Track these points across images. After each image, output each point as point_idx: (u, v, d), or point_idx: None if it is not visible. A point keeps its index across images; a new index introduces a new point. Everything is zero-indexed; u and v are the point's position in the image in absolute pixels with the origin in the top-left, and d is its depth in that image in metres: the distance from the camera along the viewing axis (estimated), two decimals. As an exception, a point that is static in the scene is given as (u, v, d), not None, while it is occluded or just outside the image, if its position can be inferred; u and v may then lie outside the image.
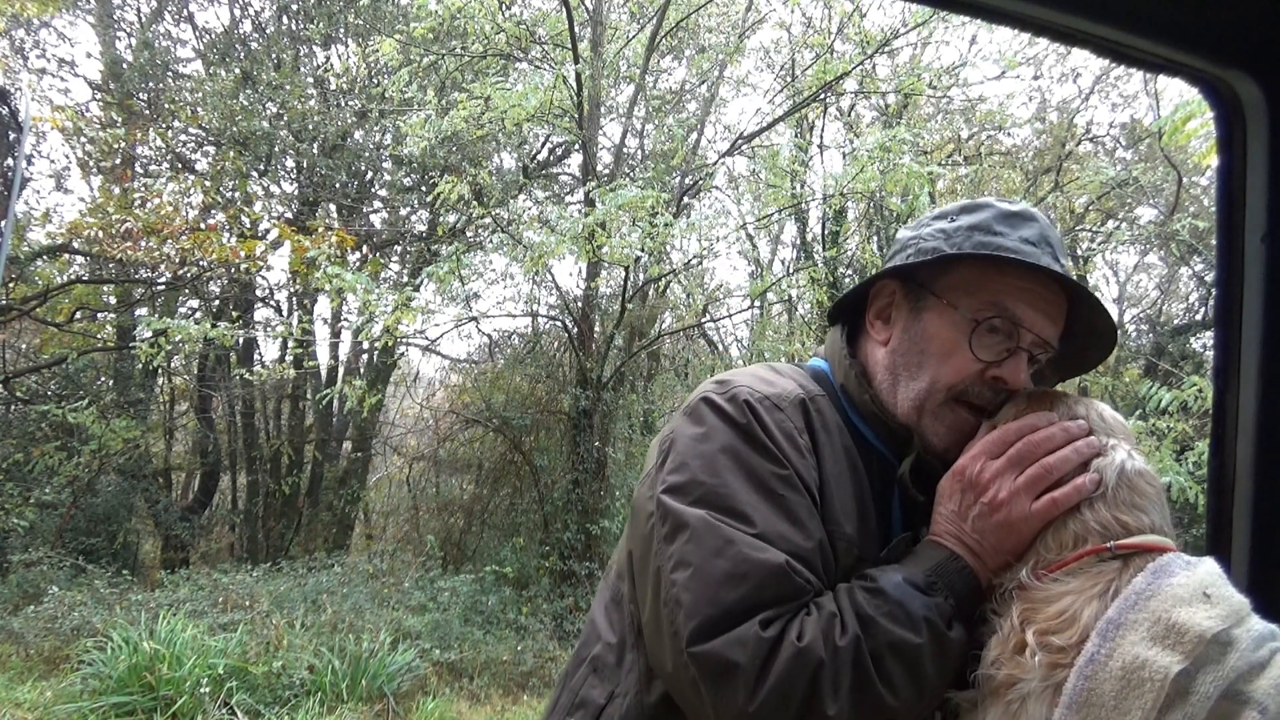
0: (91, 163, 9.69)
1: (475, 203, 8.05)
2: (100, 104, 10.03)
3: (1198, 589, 0.82)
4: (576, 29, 8.14)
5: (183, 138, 10.60)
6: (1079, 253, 9.87)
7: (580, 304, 8.99)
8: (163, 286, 10.11)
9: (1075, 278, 1.07)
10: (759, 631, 0.88)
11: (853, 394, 1.13)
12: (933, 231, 1.11)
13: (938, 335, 1.07)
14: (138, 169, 10.33)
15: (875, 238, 9.65)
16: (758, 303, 10.13)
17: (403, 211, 11.06)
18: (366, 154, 10.57)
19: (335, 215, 10.88)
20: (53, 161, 9.62)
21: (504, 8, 8.61)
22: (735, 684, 0.87)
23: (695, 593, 0.91)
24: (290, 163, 10.71)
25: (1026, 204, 1.15)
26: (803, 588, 0.92)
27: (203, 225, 8.65)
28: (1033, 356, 1.06)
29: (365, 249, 10.40)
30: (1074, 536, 0.91)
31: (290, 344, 8.92)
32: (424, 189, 9.95)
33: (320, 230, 8.46)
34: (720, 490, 0.97)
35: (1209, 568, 0.85)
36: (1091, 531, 0.90)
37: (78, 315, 10.45)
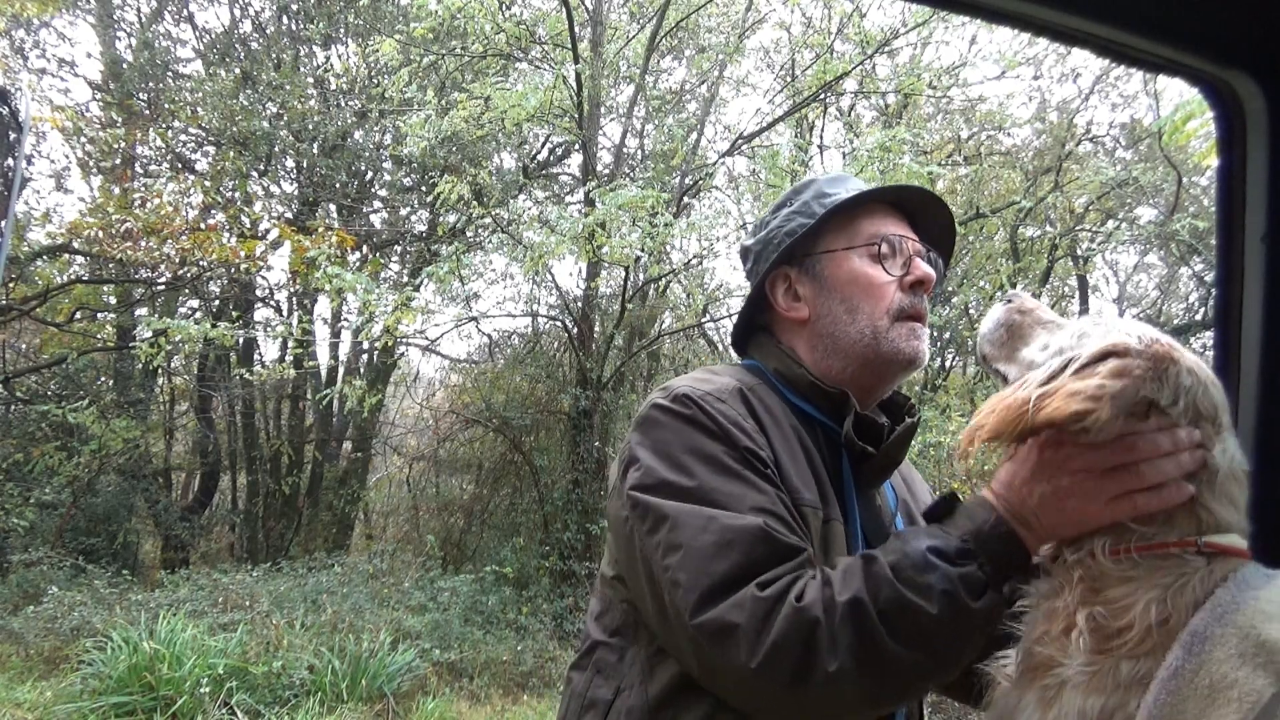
0: (91, 163, 9.69)
1: (475, 203, 8.05)
2: (100, 104, 10.03)
3: None
4: (576, 29, 8.15)
5: (183, 138, 10.60)
6: (1079, 253, 9.87)
7: (580, 304, 8.99)
8: (163, 286, 10.11)
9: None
10: (756, 593, 0.91)
11: (787, 375, 1.21)
12: (783, 218, 1.26)
13: (851, 280, 1.19)
14: (138, 169, 10.33)
15: (875, 238, 9.65)
16: (758, 303, 10.10)
17: (403, 211, 11.06)
18: (366, 154, 10.57)
19: (335, 215, 10.87)
20: (53, 161, 9.61)
21: (504, 8, 8.60)
22: (737, 644, 0.90)
23: (689, 570, 0.95)
24: (290, 163, 10.71)
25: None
26: (792, 545, 0.96)
27: (203, 225, 8.65)
28: (922, 256, 1.21)
29: (365, 249, 10.40)
30: (1165, 515, 0.85)
31: (290, 344, 8.92)
32: (424, 189, 9.95)
33: (320, 230, 8.46)
34: (686, 481, 1.01)
35: None
36: (1184, 517, 0.85)
37: (78, 315, 10.44)
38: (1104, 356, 0.88)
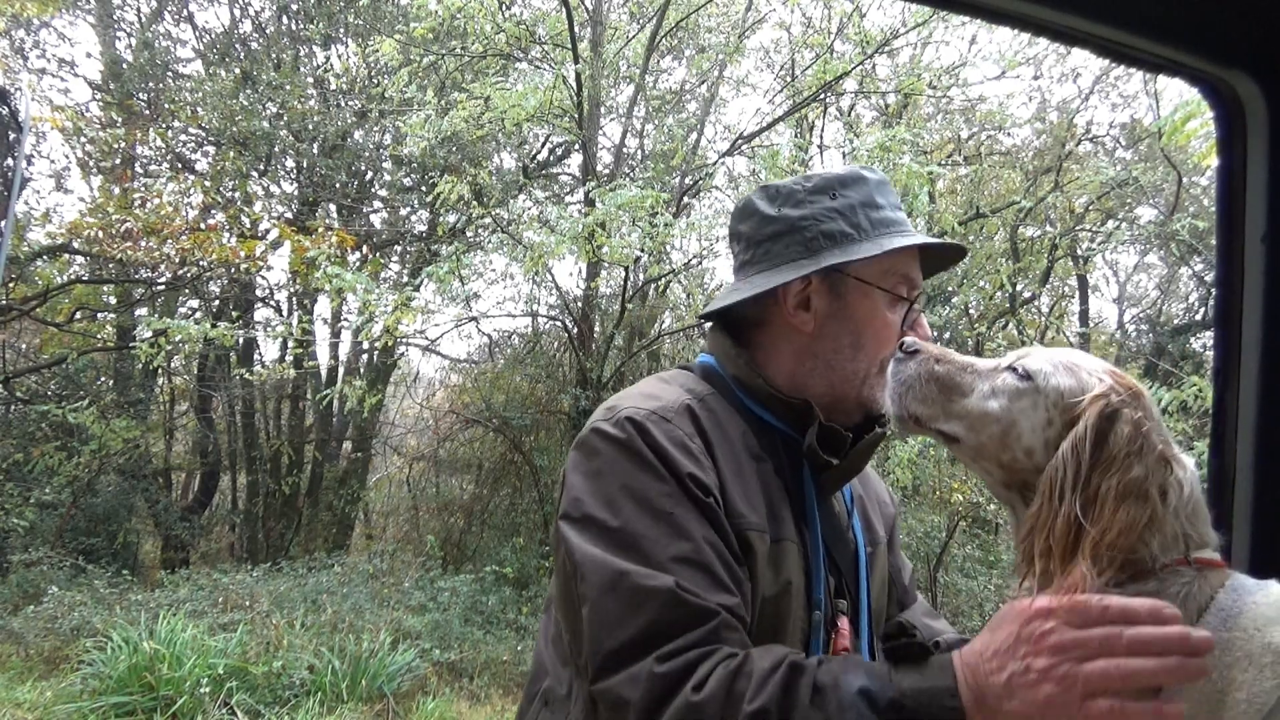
0: (91, 163, 9.69)
1: (475, 203, 8.05)
2: (100, 104, 10.03)
3: (1278, 609, 0.80)
4: (576, 29, 8.14)
5: (183, 138, 10.60)
6: (1079, 252, 9.87)
7: (580, 304, 8.99)
8: (163, 286, 10.11)
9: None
10: (654, 668, 0.87)
11: (746, 382, 1.16)
12: (824, 211, 1.15)
13: (869, 320, 1.14)
14: (138, 169, 10.32)
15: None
16: (758, 303, 10.10)
17: (403, 211, 11.06)
18: (366, 154, 10.57)
19: (335, 215, 10.87)
20: (53, 161, 9.61)
21: (504, 8, 8.60)
22: (627, 717, 0.88)
23: (596, 628, 0.93)
24: (290, 163, 10.71)
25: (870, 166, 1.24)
26: (702, 609, 0.91)
27: (203, 225, 8.65)
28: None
29: (365, 249, 10.39)
30: (1163, 542, 0.86)
31: (290, 344, 8.92)
32: (424, 189, 9.94)
33: (320, 230, 8.45)
34: (611, 520, 0.97)
35: (1279, 587, 0.84)
36: (1175, 539, 0.87)
37: (78, 315, 10.44)
38: (1101, 414, 0.89)
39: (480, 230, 9.87)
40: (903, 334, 1.14)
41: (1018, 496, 0.98)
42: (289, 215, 10.35)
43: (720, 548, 0.97)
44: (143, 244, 8.10)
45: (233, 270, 8.73)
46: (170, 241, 8.09)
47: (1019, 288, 9.53)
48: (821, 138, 9.93)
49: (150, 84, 10.07)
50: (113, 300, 10.70)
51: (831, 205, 1.15)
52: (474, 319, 9.23)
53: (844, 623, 1.11)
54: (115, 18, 10.37)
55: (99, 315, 10.95)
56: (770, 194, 1.20)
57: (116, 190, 9.33)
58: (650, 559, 0.94)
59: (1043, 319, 10.66)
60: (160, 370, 9.99)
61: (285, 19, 10.71)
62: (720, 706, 0.84)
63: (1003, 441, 0.96)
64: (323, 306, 10.43)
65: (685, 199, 9.06)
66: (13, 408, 9.79)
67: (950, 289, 9.17)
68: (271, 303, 11.40)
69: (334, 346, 10.90)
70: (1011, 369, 0.98)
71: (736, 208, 1.27)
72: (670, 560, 0.94)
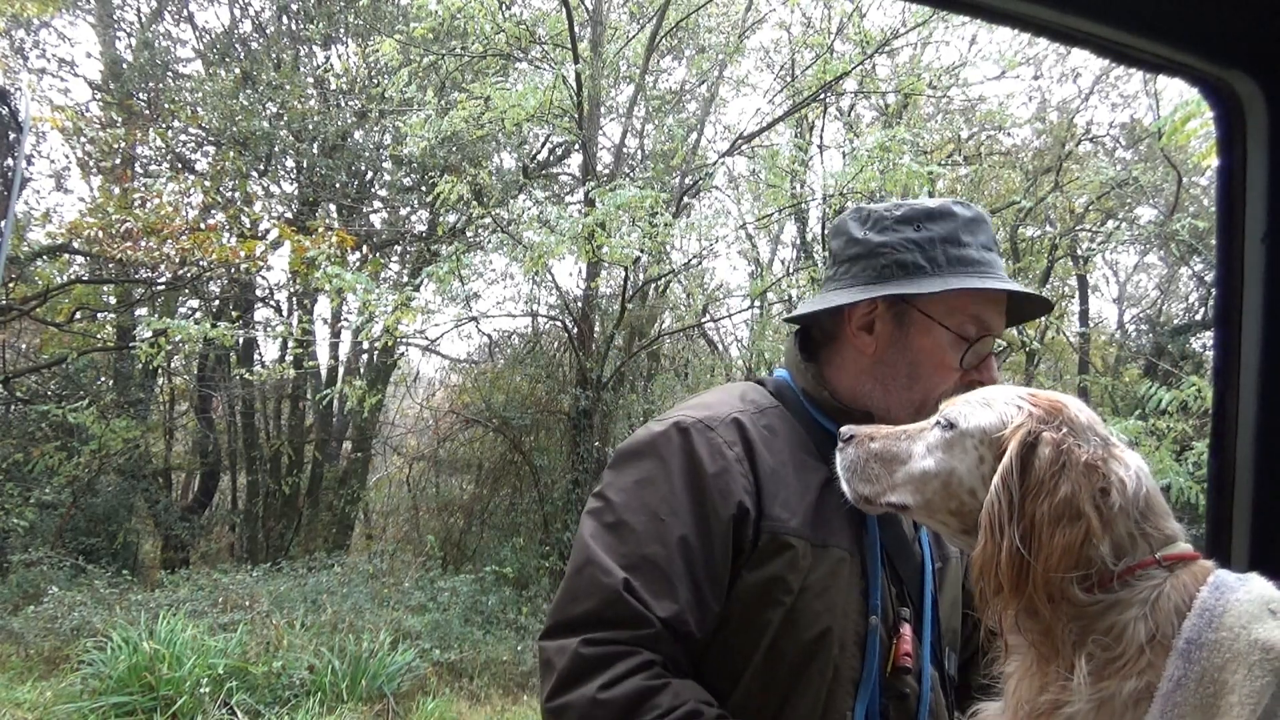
0: (91, 163, 9.68)
1: (475, 203, 8.05)
2: (100, 104, 10.03)
3: (1261, 604, 0.80)
4: (576, 29, 8.15)
5: (183, 138, 10.60)
6: (1079, 252, 9.87)
7: (580, 304, 8.99)
8: (163, 286, 10.11)
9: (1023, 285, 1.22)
10: (579, 648, 1.00)
11: (813, 394, 1.22)
12: (904, 241, 1.17)
13: (928, 353, 1.17)
14: (138, 169, 10.32)
15: (875, 238, 9.64)
16: (758, 303, 10.12)
17: (403, 211, 11.06)
18: (366, 154, 10.56)
19: (335, 215, 10.87)
20: (53, 161, 9.61)
21: (504, 8, 8.60)
22: (549, 680, 1.01)
23: (559, 597, 1.08)
24: (290, 163, 10.71)
25: (968, 201, 1.24)
26: (637, 615, 1.01)
27: (203, 225, 8.64)
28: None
29: (365, 249, 10.40)
30: (1116, 547, 0.87)
31: (290, 344, 8.92)
32: (424, 189, 9.94)
33: (320, 230, 8.45)
34: (612, 507, 1.10)
35: (1262, 581, 0.84)
36: (1130, 540, 0.88)
37: (78, 315, 10.44)
38: (1022, 442, 0.92)
39: (480, 230, 9.87)
40: (965, 374, 1.16)
41: (974, 539, 1.00)
42: (289, 215, 10.35)
43: (696, 558, 1.06)
44: (143, 244, 8.10)
45: (233, 270, 8.73)
46: (170, 241, 8.09)
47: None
48: (821, 138, 9.93)
49: (150, 84, 10.07)
50: (113, 300, 10.70)
51: (912, 236, 1.18)
52: (474, 319, 9.24)
53: (906, 630, 1.15)
54: (115, 18, 10.37)
55: (99, 315, 10.96)
56: (861, 216, 1.24)
57: (116, 190, 9.33)
58: (620, 551, 1.05)
59: (1043, 319, 10.66)
60: (160, 370, 10.00)
61: (285, 19, 10.71)
62: (617, 712, 0.96)
63: (946, 492, 1.00)
64: (323, 306, 10.44)
65: (685, 199, 9.06)
66: (13, 408, 9.80)
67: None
68: (271, 303, 11.40)
69: (334, 346, 10.90)
70: (938, 423, 1.03)
71: (833, 225, 1.33)
72: (637, 558, 1.04)
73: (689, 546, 1.05)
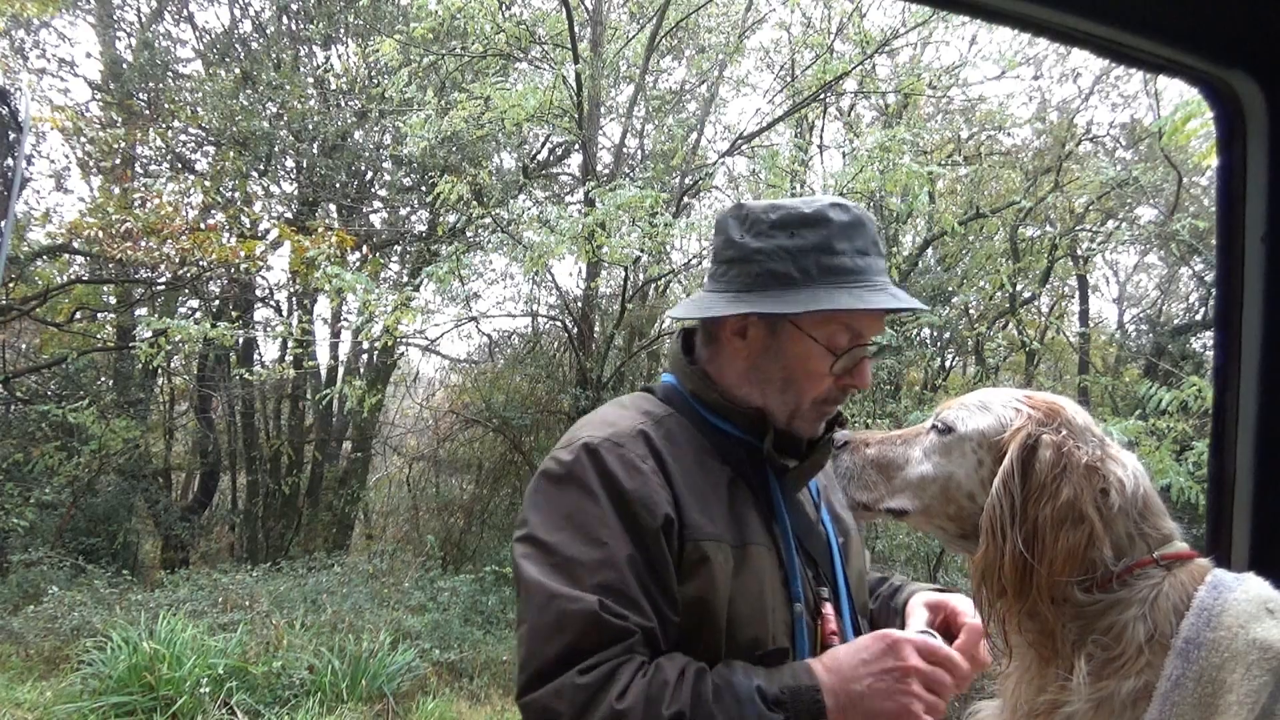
0: (91, 163, 9.68)
1: (475, 203, 8.04)
2: (100, 104, 10.03)
3: (1259, 604, 0.80)
4: (576, 29, 8.14)
5: (183, 138, 10.59)
6: (1079, 252, 9.86)
7: (580, 304, 8.99)
8: (163, 286, 10.11)
9: (898, 285, 1.24)
10: (576, 679, 0.97)
11: (702, 396, 1.22)
12: (778, 249, 1.16)
13: (801, 361, 1.17)
14: (138, 169, 10.32)
15: (875, 238, 9.64)
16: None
17: (403, 211, 11.05)
18: (366, 154, 10.56)
19: (335, 215, 10.87)
20: (53, 161, 9.60)
21: (504, 8, 8.60)
22: None
23: (526, 646, 1.03)
24: (290, 163, 10.70)
25: (847, 201, 1.22)
26: (621, 629, 1.01)
27: (203, 225, 8.64)
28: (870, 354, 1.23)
29: (365, 249, 10.39)
30: (1115, 547, 0.88)
31: (290, 344, 8.91)
32: (424, 189, 9.94)
33: (320, 230, 8.45)
34: (551, 546, 1.06)
35: (1258, 580, 0.84)
36: (1130, 540, 0.89)
37: (78, 315, 10.44)
38: (1022, 445, 0.92)
39: (480, 230, 9.86)
40: (839, 379, 1.18)
41: (973, 544, 1.00)
42: (289, 215, 10.35)
43: (645, 574, 1.05)
44: (143, 244, 8.10)
45: (233, 270, 8.72)
46: (170, 241, 8.08)
47: (1019, 288, 9.53)
48: (821, 138, 9.93)
49: (150, 84, 10.07)
50: (113, 300, 10.70)
51: (785, 244, 1.16)
52: (474, 319, 9.24)
53: (829, 609, 1.19)
54: (115, 18, 10.37)
55: (99, 315, 10.96)
56: (740, 216, 1.22)
57: (116, 190, 9.33)
58: (580, 582, 1.03)
59: (1043, 319, 10.66)
60: (160, 370, 10.00)
61: (285, 19, 10.71)
62: (642, 713, 0.95)
63: (945, 496, 1.01)
64: (323, 306, 10.44)
65: (685, 199, 9.06)
66: (13, 408, 9.79)
67: (950, 289, 9.17)
68: (271, 303, 11.40)
69: (334, 346, 10.90)
70: (934, 427, 1.03)
71: (716, 219, 1.30)
72: (597, 585, 1.02)
73: (637, 563, 1.05)
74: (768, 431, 1.18)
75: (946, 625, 1.19)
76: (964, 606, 1.18)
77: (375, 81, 9.94)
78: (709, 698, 0.97)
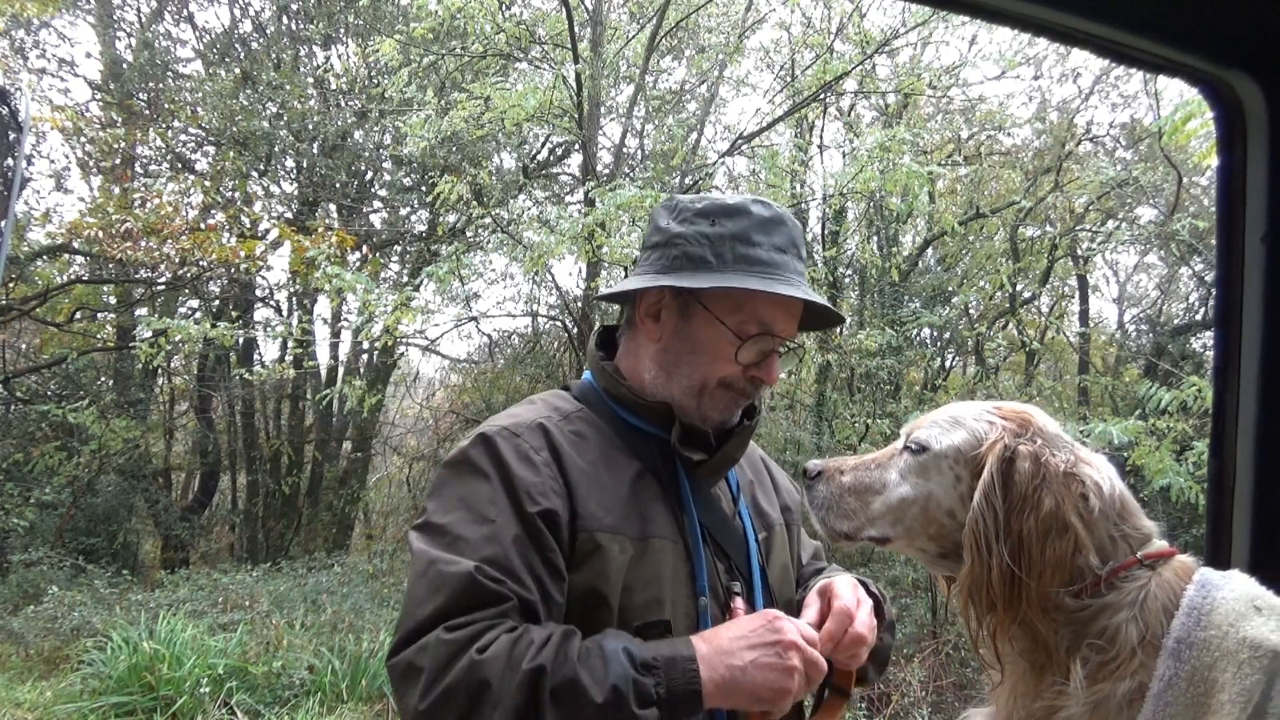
0: (91, 163, 9.69)
1: (475, 203, 8.04)
2: (100, 104, 10.03)
3: (1247, 602, 0.80)
4: (576, 29, 8.14)
5: (183, 138, 10.60)
6: (1079, 252, 9.86)
7: (580, 304, 8.99)
8: (163, 286, 10.11)
9: (811, 282, 1.25)
10: (442, 635, 0.97)
11: (613, 392, 1.26)
12: (697, 235, 1.21)
13: (708, 345, 1.20)
14: (138, 169, 10.33)
15: (875, 238, 9.65)
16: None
17: (403, 211, 11.05)
18: (366, 154, 10.56)
19: (335, 215, 10.87)
20: (53, 161, 9.62)
21: (504, 8, 8.60)
22: (417, 685, 0.95)
23: (403, 612, 1.03)
24: (290, 163, 10.71)
25: (773, 201, 1.26)
26: (495, 592, 1.00)
27: (203, 225, 8.65)
28: (781, 351, 1.24)
29: (365, 249, 10.40)
30: (1099, 550, 0.89)
31: (290, 344, 8.91)
32: (424, 189, 9.94)
33: (320, 230, 8.46)
34: (441, 525, 1.08)
35: (1244, 578, 0.84)
36: (1112, 542, 0.89)
37: (78, 315, 10.45)
38: (1001, 458, 0.92)
39: (480, 230, 9.87)
40: (747, 369, 1.20)
41: (953, 563, 0.99)
42: (289, 215, 10.35)
43: (531, 553, 1.06)
44: (143, 244, 8.10)
45: (233, 270, 8.73)
46: (170, 241, 8.09)
47: (1019, 288, 9.53)
48: (821, 138, 9.93)
49: (150, 84, 10.07)
50: (113, 300, 10.70)
51: (706, 230, 1.21)
52: (474, 319, 9.24)
53: (739, 603, 1.18)
54: (115, 18, 10.37)
55: (99, 315, 10.96)
56: (670, 206, 1.27)
57: (116, 190, 9.33)
58: (463, 554, 1.03)
59: (1043, 319, 10.66)
60: (160, 370, 10.00)
61: (285, 19, 10.71)
62: (503, 665, 0.94)
63: (926, 516, 1.00)
64: (323, 306, 10.44)
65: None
66: (13, 408, 9.80)
67: (950, 289, 9.17)
68: (271, 303, 11.40)
69: (334, 346, 10.90)
70: (907, 448, 1.02)
71: (651, 209, 1.33)
72: (481, 557, 1.03)
73: (524, 543, 1.05)
74: (674, 424, 1.20)
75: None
76: (840, 589, 1.16)
77: (375, 81, 9.94)
78: (573, 655, 0.97)
